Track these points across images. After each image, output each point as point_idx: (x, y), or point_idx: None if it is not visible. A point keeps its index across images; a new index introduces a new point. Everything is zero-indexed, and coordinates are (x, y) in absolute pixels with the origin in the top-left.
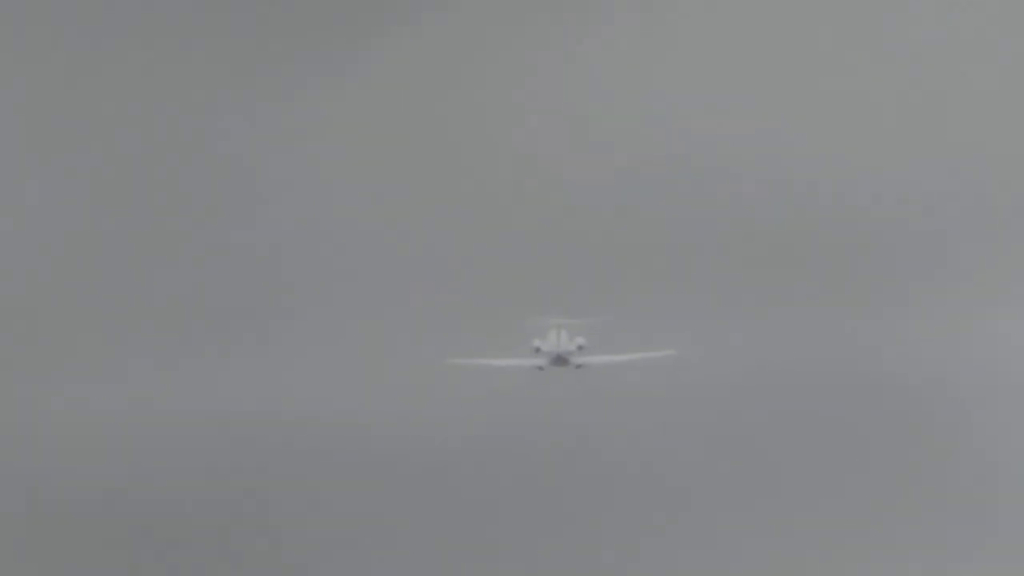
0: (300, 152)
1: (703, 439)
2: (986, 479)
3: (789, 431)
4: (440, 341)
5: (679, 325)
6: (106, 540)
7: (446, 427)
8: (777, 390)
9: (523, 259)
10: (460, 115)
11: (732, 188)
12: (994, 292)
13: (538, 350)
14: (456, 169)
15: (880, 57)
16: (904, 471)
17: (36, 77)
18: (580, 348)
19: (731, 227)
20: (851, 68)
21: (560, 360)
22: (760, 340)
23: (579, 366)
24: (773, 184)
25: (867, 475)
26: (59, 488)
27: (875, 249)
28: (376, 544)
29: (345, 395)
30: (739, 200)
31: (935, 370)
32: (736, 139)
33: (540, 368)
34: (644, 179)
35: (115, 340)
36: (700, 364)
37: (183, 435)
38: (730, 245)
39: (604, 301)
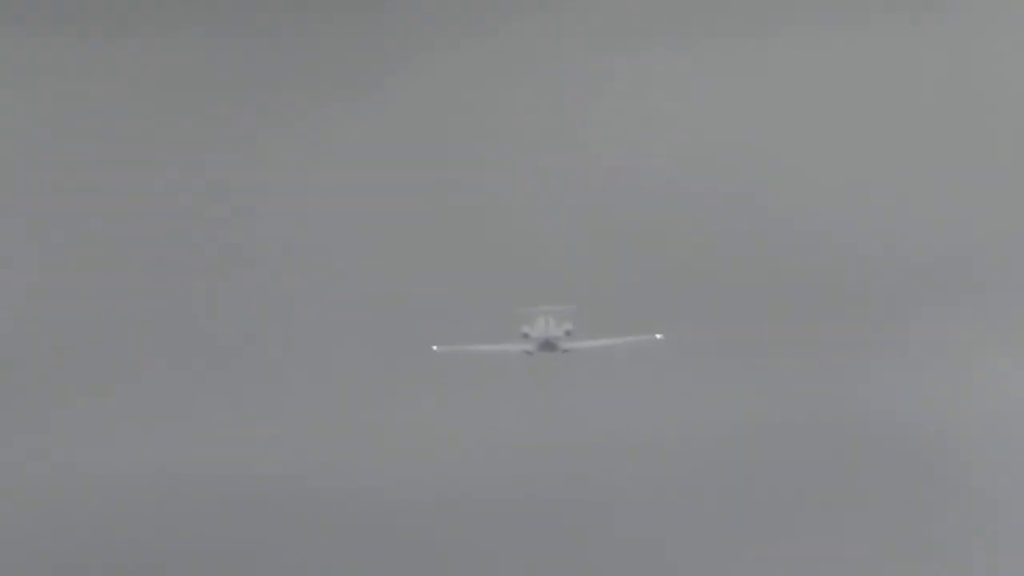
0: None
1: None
2: (987, 527)
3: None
4: (431, 330)
5: (662, 313)
6: None
7: (441, 483)
8: (762, 394)
9: (515, 256)
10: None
11: (728, 220)
12: (995, 342)
13: (526, 336)
14: (457, 178)
15: (881, 111)
16: (889, 501)
17: (23, 122)
18: (568, 333)
19: (725, 257)
20: (855, 120)
21: (548, 345)
22: (739, 328)
23: (566, 351)
24: (764, 218)
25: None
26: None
27: (871, 293)
28: None
29: (341, 449)
30: (736, 236)
31: (930, 414)
32: (732, 177)
33: (529, 353)
34: (631, 184)
35: (108, 401)
36: (683, 353)
37: (184, 496)
38: (721, 269)
39: (589, 293)
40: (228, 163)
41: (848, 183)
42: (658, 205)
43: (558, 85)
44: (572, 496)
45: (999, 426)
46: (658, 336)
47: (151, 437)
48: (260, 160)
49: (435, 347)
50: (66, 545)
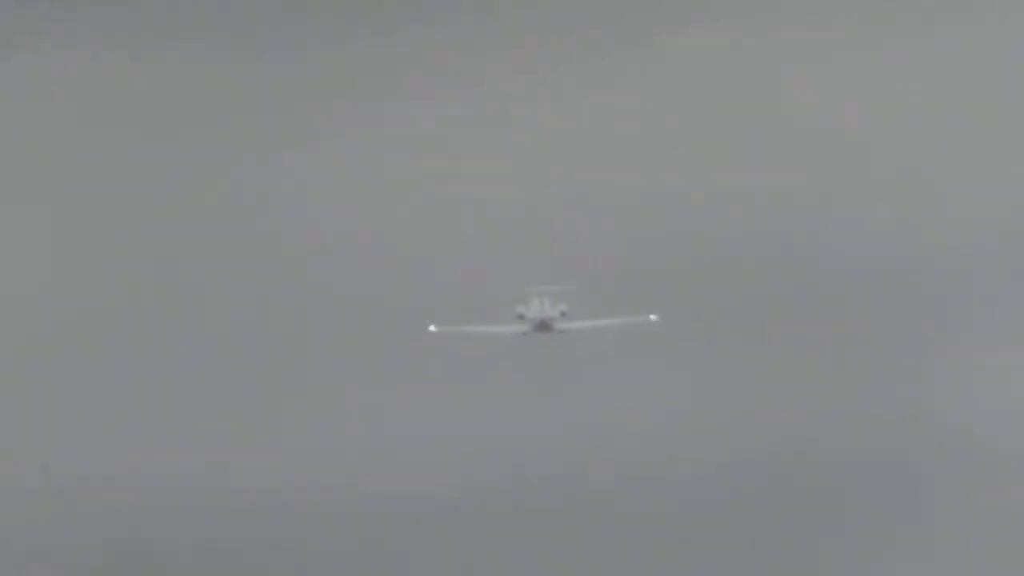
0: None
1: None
2: (991, 526)
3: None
4: (429, 312)
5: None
6: None
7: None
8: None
9: (511, 237)
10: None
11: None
12: (1005, 339)
13: (522, 317)
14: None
15: (875, 117)
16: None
17: (49, 142)
18: (563, 314)
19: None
20: (844, 126)
21: (543, 326)
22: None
23: (561, 331)
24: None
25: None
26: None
27: (875, 285)
28: None
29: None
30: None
31: (934, 410)
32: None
33: (524, 334)
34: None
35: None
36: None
37: (184, 504)
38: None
39: (585, 275)
40: (227, 165)
41: (852, 168)
42: (659, 188)
43: (557, 72)
44: (573, 488)
45: (1010, 422)
46: (653, 318)
47: (153, 444)
48: (257, 156)
49: (432, 328)
50: (61, 553)
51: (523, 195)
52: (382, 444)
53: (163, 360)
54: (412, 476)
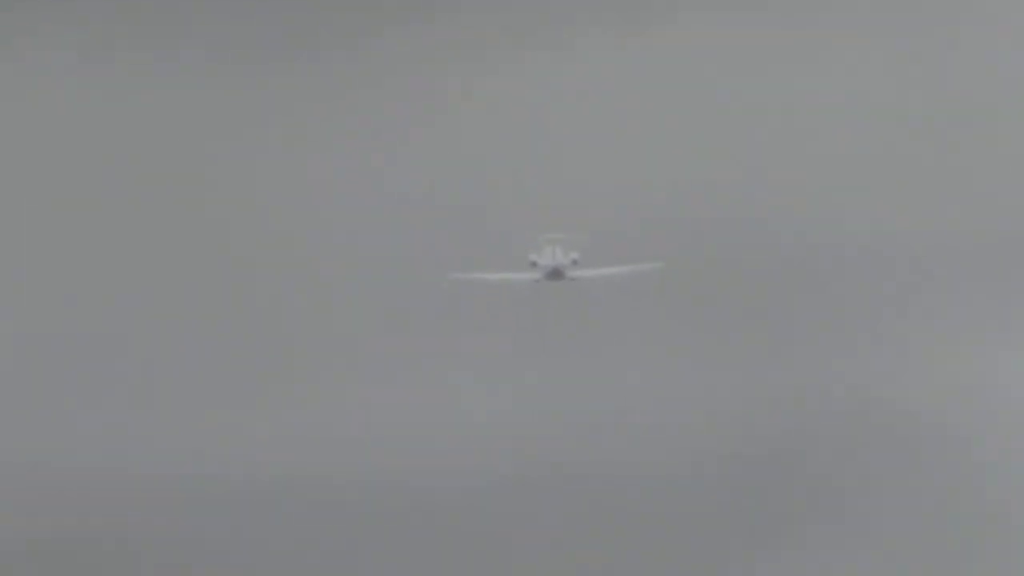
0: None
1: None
2: (984, 523)
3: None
4: (439, 258)
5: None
6: None
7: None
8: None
9: (523, 186)
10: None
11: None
12: (995, 330)
13: (534, 264)
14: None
15: (856, 95)
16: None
17: (34, 126)
18: (574, 262)
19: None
20: (822, 105)
21: (555, 273)
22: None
23: (573, 279)
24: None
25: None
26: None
27: (874, 274)
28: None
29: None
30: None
31: (933, 401)
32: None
33: (536, 281)
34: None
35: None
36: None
37: (198, 493)
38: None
39: (595, 223)
40: (229, 155)
41: (850, 156)
42: (671, 146)
43: (563, 27)
44: (585, 466)
45: (996, 414)
46: (659, 265)
47: (162, 435)
48: (257, 140)
49: (447, 276)
50: (68, 544)
51: (535, 152)
52: (391, 420)
53: (164, 346)
54: (415, 457)
